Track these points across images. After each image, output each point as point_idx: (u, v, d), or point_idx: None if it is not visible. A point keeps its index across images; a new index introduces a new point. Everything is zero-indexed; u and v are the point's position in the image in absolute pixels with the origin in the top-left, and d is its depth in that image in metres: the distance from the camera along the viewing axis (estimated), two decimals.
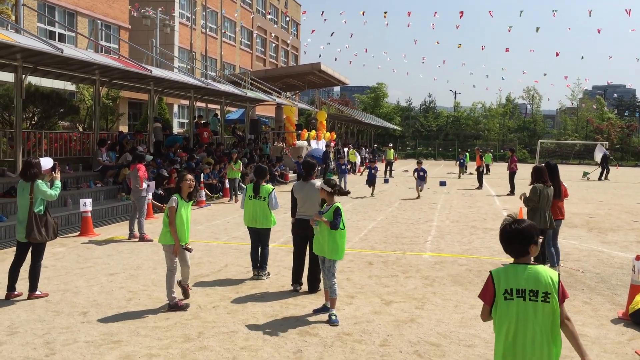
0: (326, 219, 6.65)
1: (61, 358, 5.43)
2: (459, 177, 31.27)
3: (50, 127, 19.85)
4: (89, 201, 12.22)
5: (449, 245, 11.50)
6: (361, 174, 25.35)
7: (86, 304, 7.14)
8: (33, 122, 19.40)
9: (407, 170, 35.48)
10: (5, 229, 11.14)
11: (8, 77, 20.10)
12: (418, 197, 20.33)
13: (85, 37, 26.48)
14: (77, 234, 12.10)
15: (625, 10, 31.48)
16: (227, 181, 19.35)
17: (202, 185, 17.80)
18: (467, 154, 40.43)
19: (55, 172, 7.59)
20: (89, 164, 17.50)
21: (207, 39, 36.80)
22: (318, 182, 7.55)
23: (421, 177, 20.48)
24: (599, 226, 14.40)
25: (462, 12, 33.93)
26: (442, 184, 26.17)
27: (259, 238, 8.55)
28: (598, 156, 34.07)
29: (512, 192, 22.40)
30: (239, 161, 19.17)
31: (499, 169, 40.02)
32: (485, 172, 31.69)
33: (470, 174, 34.26)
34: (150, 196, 12.55)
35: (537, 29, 36.47)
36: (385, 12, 36.55)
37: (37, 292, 7.40)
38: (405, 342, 6.00)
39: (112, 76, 17.31)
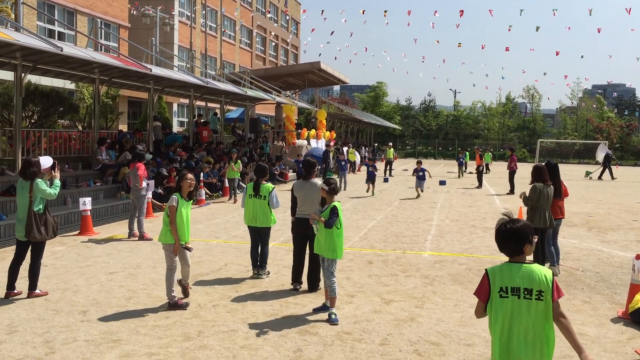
0: (322, 218, 6.68)
1: (61, 357, 5.43)
2: (460, 176, 31.22)
3: (49, 126, 19.84)
4: (88, 200, 12.22)
5: (448, 245, 11.50)
6: (359, 170, 25.32)
7: (86, 303, 7.13)
8: (33, 121, 19.39)
9: (406, 170, 35.49)
10: (5, 227, 11.14)
11: (7, 75, 20.09)
12: (418, 196, 20.26)
13: (85, 36, 26.45)
14: (76, 232, 12.09)
15: (626, 9, 31.48)
16: (226, 180, 19.32)
17: (202, 184, 17.79)
18: (467, 153, 40.45)
19: (54, 171, 7.59)
20: (88, 162, 17.48)
21: (207, 38, 36.78)
22: (319, 181, 7.55)
23: (420, 177, 20.34)
24: (598, 225, 14.40)
25: (462, 11, 33.93)
26: (442, 183, 26.17)
27: (259, 237, 8.54)
28: (600, 156, 34.09)
29: (511, 192, 22.41)
30: (239, 161, 19.14)
31: (499, 168, 40.02)
32: (485, 171, 31.70)
33: (470, 173, 34.25)
34: (149, 195, 12.55)
35: (537, 28, 36.45)
36: (386, 11, 36.57)
37: (37, 291, 7.40)
38: (405, 341, 6.00)
39: (112, 75, 17.29)
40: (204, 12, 39.59)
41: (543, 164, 9.20)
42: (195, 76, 21.68)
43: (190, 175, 7.17)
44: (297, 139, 32.46)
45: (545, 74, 43.74)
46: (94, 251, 10.33)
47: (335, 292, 6.76)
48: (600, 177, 32.57)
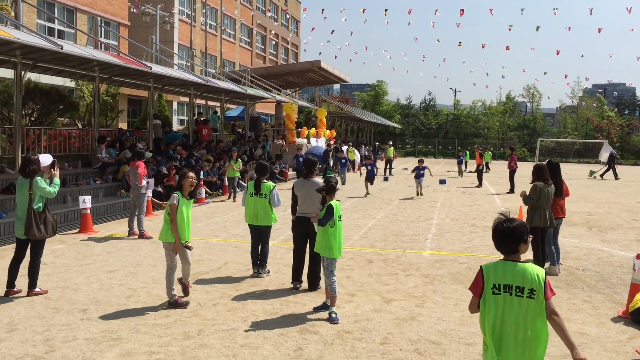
0: (319, 216, 6.77)
1: (61, 355, 5.42)
2: (460, 175, 31.17)
3: (49, 124, 19.82)
4: (88, 198, 12.20)
5: (449, 244, 11.50)
6: (361, 173, 25.22)
7: (86, 301, 7.13)
8: (32, 119, 19.37)
9: (406, 168, 35.46)
10: (5, 225, 11.12)
11: (7, 73, 20.06)
12: (418, 193, 19.93)
13: (85, 34, 26.44)
14: (76, 231, 12.08)
15: (626, 8, 31.45)
16: (226, 179, 19.29)
17: (202, 182, 17.77)
18: (467, 152, 40.45)
19: (54, 170, 7.57)
20: (88, 160, 17.47)
21: (207, 36, 36.75)
22: (319, 179, 7.55)
23: (418, 175, 20.01)
24: (598, 225, 14.39)
25: (462, 10, 33.89)
26: (442, 182, 26.16)
27: (260, 235, 8.53)
28: (604, 155, 34.10)
29: (511, 191, 22.40)
30: (239, 160, 19.11)
31: (499, 167, 40.03)
32: (485, 170, 31.69)
33: (470, 172, 34.24)
34: (149, 193, 12.54)
35: (538, 27, 36.42)
36: (386, 10, 36.51)
37: (37, 289, 7.39)
38: (405, 340, 5.99)
39: (112, 73, 17.27)
40: (204, 10, 39.56)
41: (544, 162, 9.20)
42: (195, 74, 21.67)
43: (191, 174, 7.16)
44: (297, 138, 32.44)
45: (545, 73, 43.79)
46: (94, 249, 10.33)
47: (336, 291, 6.76)
48: (602, 176, 32.56)
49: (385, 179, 28.24)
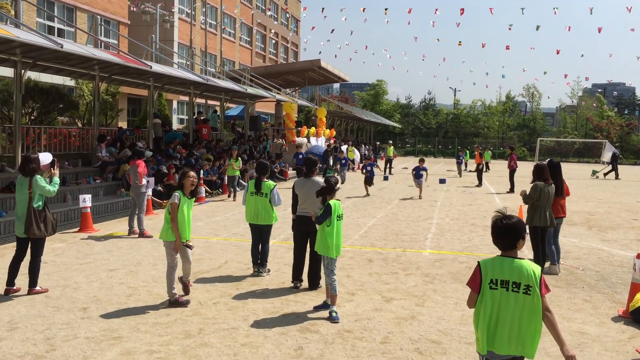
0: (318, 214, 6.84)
1: (62, 354, 5.42)
2: (460, 175, 31.14)
3: (49, 123, 19.80)
4: (88, 197, 12.19)
5: (449, 243, 11.50)
6: (362, 172, 25.12)
7: (86, 300, 7.12)
8: (32, 118, 19.35)
9: (406, 168, 35.48)
10: (5, 224, 11.12)
11: (7, 72, 20.05)
12: (419, 197, 19.54)
13: (85, 33, 26.42)
14: (76, 229, 12.07)
15: (627, 8, 31.45)
16: (226, 178, 19.26)
17: (202, 181, 17.75)
18: (467, 151, 40.45)
19: (54, 169, 7.55)
20: (88, 159, 17.46)
21: (207, 35, 36.73)
22: (320, 179, 7.55)
23: (417, 175, 19.72)
24: (598, 224, 14.40)
25: (462, 10, 33.87)
26: (442, 181, 26.16)
27: (260, 234, 8.53)
28: (607, 155, 34.11)
29: (511, 190, 22.40)
30: (239, 159, 19.08)
31: (499, 167, 40.04)
32: (485, 169, 31.69)
33: (470, 171, 34.24)
34: (149, 192, 12.53)
35: (538, 27, 36.39)
36: (386, 9, 36.46)
37: (37, 288, 7.38)
38: (406, 340, 5.99)
39: (112, 72, 17.26)
40: (204, 9, 39.56)
41: (545, 162, 9.20)
42: (195, 73, 21.66)
43: (192, 173, 7.16)
44: (297, 137, 32.43)
45: (545, 72, 43.76)
46: (94, 248, 10.32)
47: (336, 290, 6.76)
48: (605, 175, 32.55)
49: (385, 178, 28.24)
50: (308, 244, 7.82)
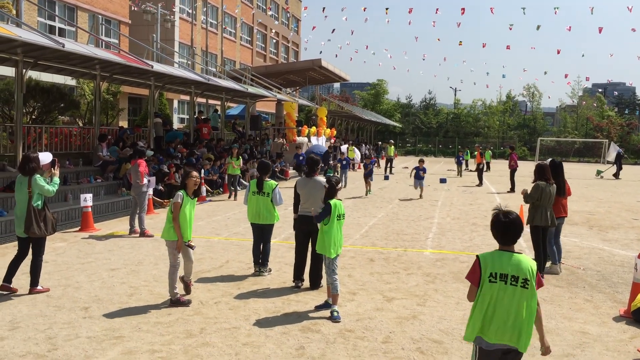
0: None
1: (63, 353, 5.42)
2: (460, 175, 31.10)
3: (50, 122, 19.81)
4: (89, 196, 12.20)
5: (450, 242, 11.50)
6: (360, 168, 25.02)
7: (87, 299, 7.13)
8: (33, 117, 19.36)
9: (407, 167, 35.48)
10: (6, 223, 11.12)
11: (8, 71, 20.06)
12: (420, 195, 19.55)
13: (86, 32, 26.42)
14: (77, 229, 12.08)
15: (627, 7, 31.43)
16: (226, 177, 19.21)
17: (202, 181, 17.73)
18: (468, 150, 40.45)
19: (54, 169, 7.54)
20: (89, 159, 17.47)
21: (208, 35, 36.72)
22: (322, 178, 7.56)
23: (418, 176, 19.47)
24: (599, 224, 14.40)
25: (463, 9, 33.85)
26: (443, 181, 26.16)
27: (262, 234, 8.53)
28: (612, 155, 34.10)
29: (512, 190, 22.40)
30: (240, 157, 19.06)
31: (499, 167, 40.04)
32: (485, 169, 31.68)
33: (471, 170, 34.25)
34: (150, 192, 12.53)
35: (538, 27, 36.37)
36: (387, 9, 36.44)
37: (39, 287, 7.38)
38: (407, 339, 6.00)
39: (113, 71, 17.26)
40: (204, 8, 39.52)
41: (547, 162, 9.20)
42: (196, 73, 21.66)
43: (195, 173, 7.18)
44: (298, 137, 32.44)
45: (546, 72, 43.73)
46: (95, 247, 10.33)
47: (338, 289, 6.76)
48: (617, 177, 32.49)
49: (386, 177, 28.25)
50: (310, 243, 7.82)
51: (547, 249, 8.89)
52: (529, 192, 8.84)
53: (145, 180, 11.70)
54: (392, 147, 33.66)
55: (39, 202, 7.29)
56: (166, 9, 34.64)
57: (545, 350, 4.05)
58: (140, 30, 34.42)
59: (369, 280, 8.34)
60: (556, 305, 7.34)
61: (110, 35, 32.47)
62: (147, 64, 16.23)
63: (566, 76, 49.81)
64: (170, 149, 19.94)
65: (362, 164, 20.67)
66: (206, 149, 21.96)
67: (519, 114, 71.86)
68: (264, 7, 56.37)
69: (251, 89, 26.48)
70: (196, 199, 7.32)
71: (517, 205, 14.93)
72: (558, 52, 39.38)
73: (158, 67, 17.27)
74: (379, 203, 17.99)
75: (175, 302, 6.94)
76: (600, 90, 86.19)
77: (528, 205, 8.94)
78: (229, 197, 18.33)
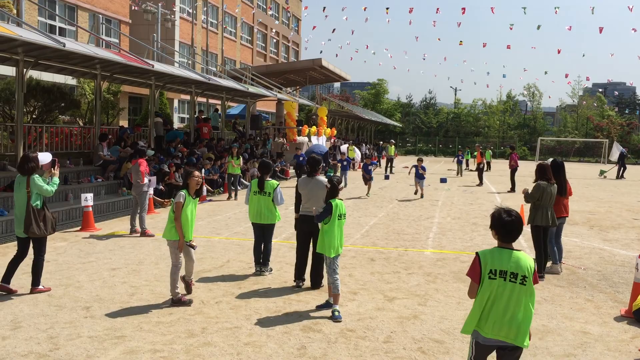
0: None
1: (65, 353, 5.42)
2: (459, 175, 31.08)
3: (51, 122, 19.81)
4: (90, 196, 12.20)
5: (450, 242, 11.50)
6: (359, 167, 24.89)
7: (89, 299, 7.13)
8: (34, 116, 19.36)
9: (407, 167, 35.48)
10: (7, 223, 11.13)
11: (9, 71, 20.06)
12: (421, 196, 19.33)
13: (86, 31, 26.42)
14: (78, 228, 12.08)
15: (628, 7, 31.42)
16: (226, 176, 19.15)
17: (203, 180, 17.68)
18: (468, 150, 40.45)
19: (54, 169, 7.52)
20: (89, 158, 17.47)
21: (208, 34, 36.72)
22: (323, 178, 7.56)
23: (419, 175, 19.30)
24: (599, 224, 14.40)
25: (464, 9, 33.84)
26: (443, 180, 26.16)
27: (263, 234, 8.53)
28: (615, 155, 34.08)
29: (512, 189, 22.40)
30: (240, 157, 19.01)
31: (500, 166, 40.04)
32: (486, 169, 31.69)
33: (471, 170, 34.27)
34: (151, 191, 12.52)
35: (539, 26, 36.35)
36: (387, 9, 36.41)
37: (40, 287, 7.39)
38: (409, 339, 6.00)
39: (114, 70, 17.26)
40: (205, 8, 39.51)
41: (549, 162, 9.21)
42: (197, 72, 21.66)
43: (197, 173, 7.18)
44: (298, 136, 32.43)
45: (546, 72, 43.73)
46: (96, 247, 10.33)
47: (338, 289, 6.76)
48: (622, 177, 32.47)
49: (386, 177, 28.27)
50: (311, 243, 7.82)
51: (547, 248, 8.89)
52: (529, 191, 8.85)
53: (146, 180, 11.70)
54: (393, 146, 33.66)
55: (38, 202, 7.27)
56: (166, 9, 34.63)
57: None
58: (141, 29, 34.43)
59: (370, 280, 8.34)
60: (557, 305, 7.35)
61: (111, 34, 32.47)
62: (148, 64, 16.23)
63: (566, 76, 49.77)
64: (170, 148, 19.95)
65: (362, 164, 20.47)
66: (206, 149, 21.96)
67: (519, 114, 71.87)
68: (264, 7, 56.36)
69: (252, 89, 26.48)
70: (197, 198, 7.32)
71: (518, 205, 14.93)
72: (558, 52, 39.37)
73: (159, 66, 17.27)
74: (379, 203, 17.99)
75: (176, 301, 6.94)
76: (600, 90, 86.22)
77: (528, 204, 8.95)
78: (228, 198, 18.00)
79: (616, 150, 34.15)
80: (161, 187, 16.07)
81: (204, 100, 31.62)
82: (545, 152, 58.26)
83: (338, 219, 6.83)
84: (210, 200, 17.48)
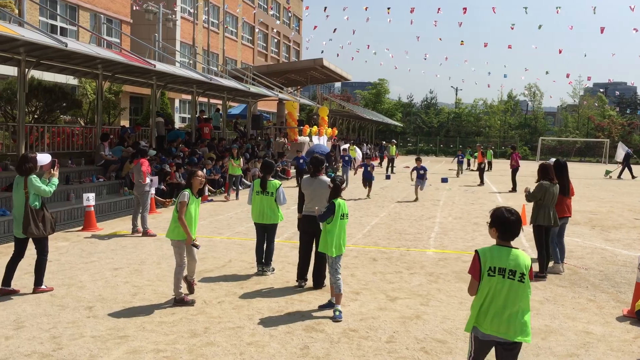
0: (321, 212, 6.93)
1: (68, 353, 5.43)
2: (458, 175, 31.01)
3: (52, 121, 19.82)
4: (92, 195, 12.20)
5: (452, 242, 11.50)
6: (355, 173, 24.75)
7: (91, 299, 7.14)
8: (35, 116, 19.38)
9: (408, 167, 35.46)
10: (8, 223, 11.12)
11: (11, 71, 20.07)
12: (416, 199, 18.82)
13: (88, 31, 26.43)
14: (80, 228, 12.09)
15: (630, 7, 31.40)
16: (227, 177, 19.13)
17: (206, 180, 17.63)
18: (469, 149, 40.43)
19: (54, 169, 7.51)
20: (91, 158, 17.48)
21: (209, 34, 36.73)
22: (326, 178, 7.56)
23: (420, 175, 18.97)
24: (601, 224, 14.39)
25: (465, 9, 33.83)
26: (444, 180, 26.15)
27: (266, 234, 8.53)
28: (620, 155, 34.04)
29: (514, 189, 22.39)
30: (240, 157, 18.95)
31: (500, 166, 40.03)
32: (487, 169, 31.68)
33: (472, 170, 34.26)
34: (153, 191, 12.52)
35: (540, 26, 36.33)
36: (389, 9, 36.40)
37: (43, 287, 7.39)
38: (411, 339, 6.00)
39: (115, 70, 17.27)
40: (206, 8, 39.54)
41: (552, 161, 9.20)
42: (198, 72, 21.67)
43: (200, 173, 7.19)
44: (299, 136, 32.45)
45: (547, 72, 43.68)
46: (98, 247, 10.34)
47: (341, 289, 6.77)
48: (619, 176, 32.44)
49: (387, 177, 28.27)
50: (314, 243, 7.82)
51: (549, 248, 8.89)
52: (531, 191, 8.85)
53: (147, 180, 11.71)
54: (394, 146, 33.68)
55: (37, 203, 7.24)
56: (168, 9, 34.64)
57: None
58: (142, 29, 34.43)
59: (372, 280, 8.34)
60: (559, 305, 7.34)
61: (112, 34, 32.48)
62: (150, 64, 16.24)
63: (568, 76, 49.71)
64: (172, 148, 19.96)
65: (362, 167, 20.26)
66: (208, 149, 21.97)
67: (520, 114, 71.87)
68: (265, 7, 56.36)
69: (253, 89, 26.49)
70: (200, 198, 7.33)
71: (519, 204, 14.93)
72: (560, 52, 39.35)
73: (160, 66, 17.28)
74: (380, 202, 17.99)
75: (179, 301, 6.94)
76: (601, 89, 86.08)
77: (530, 204, 8.95)
78: (225, 200, 17.63)
79: (621, 151, 34.09)
80: (163, 187, 16.08)
81: (205, 100, 31.63)
82: (546, 152, 58.24)
83: (340, 219, 6.83)
84: (211, 200, 17.49)
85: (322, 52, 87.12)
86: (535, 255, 8.98)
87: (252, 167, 22.42)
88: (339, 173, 24.57)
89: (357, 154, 34.39)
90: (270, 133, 32.80)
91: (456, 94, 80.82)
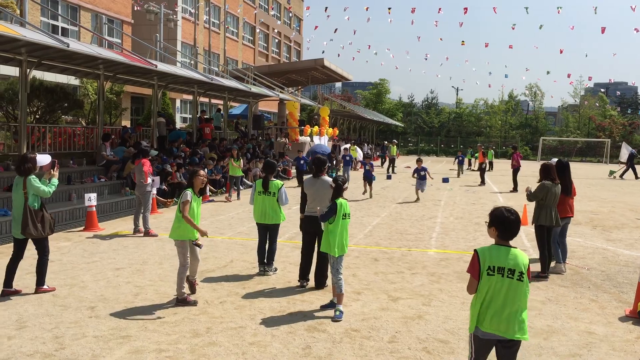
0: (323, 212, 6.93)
1: (71, 352, 5.43)
2: (459, 175, 30.96)
3: (54, 122, 19.84)
4: (93, 196, 12.20)
5: (453, 242, 11.50)
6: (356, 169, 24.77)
7: (93, 299, 7.14)
8: (37, 117, 19.40)
9: (409, 167, 35.45)
10: (9, 223, 11.12)
11: (12, 71, 20.10)
12: (417, 199, 18.81)
13: (89, 31, 26.45)
14: (81, 228, 12.10)
15: (631, 7, 31.37)
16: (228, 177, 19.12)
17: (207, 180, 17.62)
18: (470, 150, 40.43)
19: (54, 170, 7.51)
20: (92, 158, 17.49)
21: (210, 34, 36.76)
22: (329, 178, 7.56)
23: (422, 177, 18.84)
24: (603, 224, 14.38)
25: (466, 9, 33.82)
26: (445, 180, 26.14)
27: (268, 234, 8.53)
28: (624, 155, 33.99)
29: (515, 189, 22.38)
30: (240, 158, 18.93)
31: (501, 166, 40.02)
32: (488, 168, 31.67)
33: (473, 170, 34.24)
34: (154, 191, 12.53)
35: (541, 26, 36.29)
36: (389, 9, 36.39)
37: (45, 287, 7.39)
38: (413, 339, 6.00)
39: (117, 71, 17.27)
40: (207, 8, 39.57)
41: (554, 161, 9.20)
42: (199, 72, 21.69)
43: (202, 172, 7.20)
44: (300, 136, 32.46)
45: (548, 72, 43.66)
46: (100, 247, 10.35)
47: (342, 289, 6.77)
48: (621, 176, 32.41)
49: (388, 177, 28.26)
50: (316, 243, 7.82)
51: (551, 248, 8.89)
52: (533, 190, 8.85)
53: (149, 180, 11.72)
54: (395, 146, 33.69)
55: (36, 203, 7.22)
56: (169, 9, 34.66)
57: None
58: (143, 30, 34.47)
59: (374, 280, 8.34)
60: (562, 305, 7.34)
61: (113, 34, 32.50)
62: (151, 64, 16.25)
63: (569, 76, 49.63)
64: (173, 148, 19.96)
65: (363, 167, 20.25)
66: (209, 149, 21.97)
67: (521, 114, 71.87)
68: (266, 7, 56.38)
69: (254, 89, 26.50)
70: (201, 197, 7.34)
71: (520, 204, 14.93)
72: (561, 52, 39.30)
73: (162, 66, 17.28)
74: (382, 202, 17.99)
75: (181, 301, 6.94)
76: (602, 89, 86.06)
77: (531, 204, 8.94)
78: (226, 198, 17.64)
79: (625, 151, 34.06)
80: (164, 187, 16.08)
81: (206, 100, 31.64)
82: (547, 152, 58.24)
83: (342, 219, 6.83)
84: (212, 201, 17.49)
85: (323, 52, 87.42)
86: (537, 255, 8.98)
87: (253, 167, 22.42)
88: (340, 173, 24.60)
89: (358, 154, 34.43)
90: (271, 133, 32.80)
91: (457, 94, 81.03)
